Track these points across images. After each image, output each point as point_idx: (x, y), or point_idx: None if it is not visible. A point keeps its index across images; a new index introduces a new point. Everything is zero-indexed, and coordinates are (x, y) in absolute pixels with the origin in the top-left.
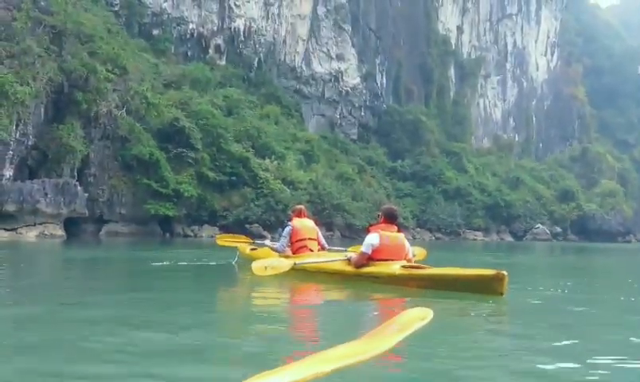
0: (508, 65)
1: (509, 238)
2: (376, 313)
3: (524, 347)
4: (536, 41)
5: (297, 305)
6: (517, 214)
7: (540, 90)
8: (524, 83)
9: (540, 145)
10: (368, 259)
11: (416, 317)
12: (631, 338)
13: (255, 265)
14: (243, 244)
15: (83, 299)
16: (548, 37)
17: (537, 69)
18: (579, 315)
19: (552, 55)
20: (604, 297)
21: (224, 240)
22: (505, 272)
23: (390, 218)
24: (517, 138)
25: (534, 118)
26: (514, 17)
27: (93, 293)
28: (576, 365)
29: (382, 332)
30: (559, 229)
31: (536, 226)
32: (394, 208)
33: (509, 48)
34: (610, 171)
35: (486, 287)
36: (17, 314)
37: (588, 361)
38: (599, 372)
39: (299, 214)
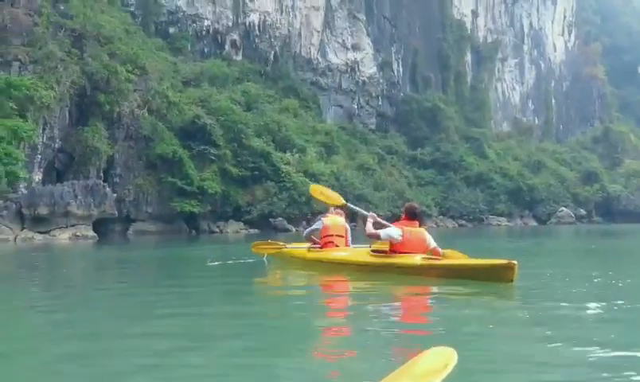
0: (525, 47)
1: (532, 222)
2: (400, 306)
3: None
4: (552, 22)
5: (330, 297)
6: (540, 198)
7: (558, 71)
8: (542, 65)
9: (561, 127)
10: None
11: (439, 363)
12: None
13: (314, 186)
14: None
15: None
16: (565, 17)
17: (555, 50)
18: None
19: (570, 35)
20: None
21: (259, 248)
22: (515, 262)
23: (411, 215)
24: (536, 121)
25: (553, 100)
26: None
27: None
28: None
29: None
30: (583, 212)
31: (560, 209)
32: (415, 206)
33: (526, 29)
34: (634, 150)
35: (499, 275)
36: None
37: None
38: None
39: (332, 213)
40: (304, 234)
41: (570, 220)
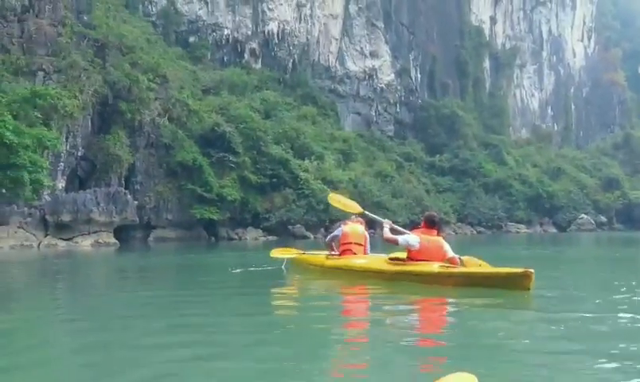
0: (544, 53)
1: (552, 229)
2: (419, 316)
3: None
4: (572, 27)
5: (350, 310)
6: (560, 205)
7: (577, 77)
8: (562, 71)
9: (581, 133)
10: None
11: None
12: None
13: (332, 194)
14: (292, 253)
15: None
16: (584, 23)
17: (574, 56)
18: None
19: (589, 40)
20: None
21: (278, 253)
22: (531, 270)
23: (430, 223)
24: (556, 128)
25: (573, 106)
26: (549, 3)
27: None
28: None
29: None
30: (604, 219)
31: (581, 216)
32: (434, 215)
33: (545, 36)
34: None
35: (515, 284)
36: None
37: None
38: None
39: (353, 221)
40: (326, 240)
41: (590, 227)
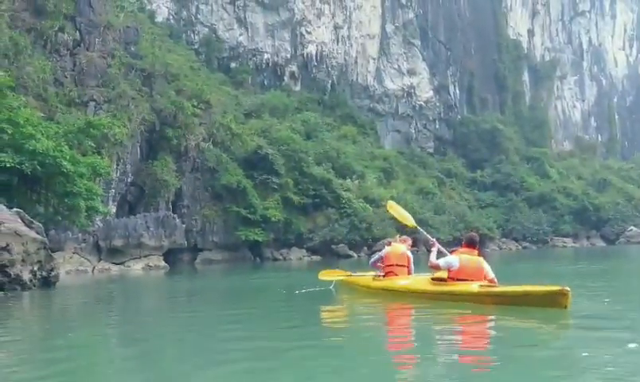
0: (584, 64)
1: (600, 243)
2: (461, 337)
3: None
4: (612, 36)
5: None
6: (607, 217)
7: (620, 86)
8: (604, 81)
9: (626, 143)
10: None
11: None
12: None
13: (391, 202)
14: (340, 275)
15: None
16: (625, 31)
17: (616, 65)
18: None
19: (631, 49)
20: None
21: (326, 275)
22: (568, 288)
23: (471, 244)
24: (599, 139)
25: (617, 116)
26: (587, 13)
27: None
28: None
29: None
30: None
31: (629, 228)
32: (474, 236)
33: (585, 46)
34: None
35: (553, 302)
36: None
37: None
38: None
39: (397, 241)
40: (370, 262)
41: None
